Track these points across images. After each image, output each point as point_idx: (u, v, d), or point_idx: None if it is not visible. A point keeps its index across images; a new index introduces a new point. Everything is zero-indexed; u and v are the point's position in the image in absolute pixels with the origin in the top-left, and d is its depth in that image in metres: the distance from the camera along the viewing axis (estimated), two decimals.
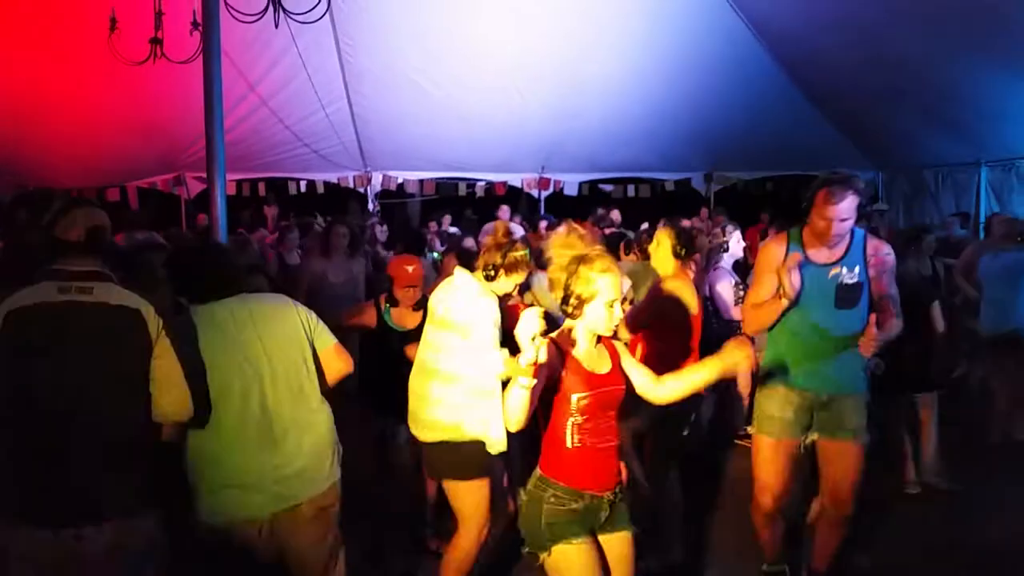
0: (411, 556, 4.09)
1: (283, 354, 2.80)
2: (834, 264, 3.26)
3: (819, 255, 3.29)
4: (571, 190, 12.50)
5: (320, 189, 12.13)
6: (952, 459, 5.05)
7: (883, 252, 3.32)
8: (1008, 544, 4.13)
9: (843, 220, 3.17)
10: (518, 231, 8.70)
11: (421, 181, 12.24)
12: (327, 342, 2.96)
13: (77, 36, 7.39)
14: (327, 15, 6.82)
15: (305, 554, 2.83)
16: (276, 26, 4.86)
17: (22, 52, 7.68)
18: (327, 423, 2.91)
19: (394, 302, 4.18)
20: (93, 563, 2.35)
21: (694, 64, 9.18)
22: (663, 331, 3.98)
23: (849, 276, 3.24)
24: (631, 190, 12.76)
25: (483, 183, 12.51)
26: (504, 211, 10.67)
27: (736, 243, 6.02)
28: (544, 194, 12.46)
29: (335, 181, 12.04)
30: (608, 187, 12.79)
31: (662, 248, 4.12)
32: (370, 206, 12.14)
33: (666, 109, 10.00)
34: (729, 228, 6.17)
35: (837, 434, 3.34)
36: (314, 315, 2.97)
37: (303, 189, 12.09)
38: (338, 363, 2.97)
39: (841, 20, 7.65)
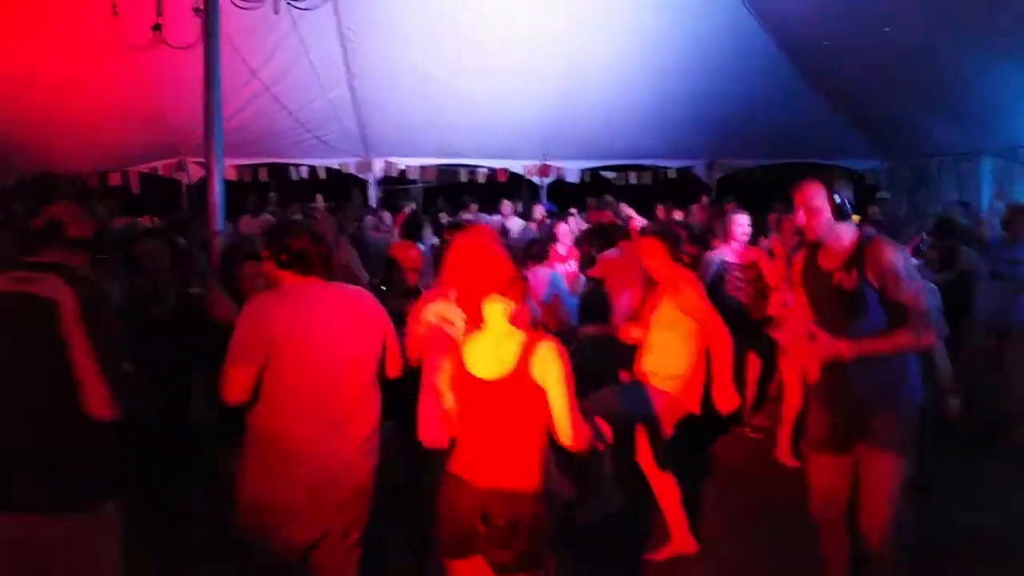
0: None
1: (363, 342, 2.91)
2: (836, 269, 3.07)
3: (827, 259, 3.12)
4: (572, 177, 12.47)
5: (322, 175, 12.12)
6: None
7: (880, 254, 2.99)
8: (978, 532, 4.15)
9: (812, 210, 3.05)
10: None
11: (422, 167, 12.22)
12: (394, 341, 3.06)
13: (78, 21, 7.35)
14: (329, 2, 6.85)
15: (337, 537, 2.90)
16: (276, 12, 4.86)
17: (23, 37, 7.65)
18: (377, 414, 2.97)
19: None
20: (47, 552, 2.39)
21: (697, 51, 9.13)
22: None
23: (848, 282, 3.03)
24: (633, 177, 12.73)
25: (484, 170, 12.49)
26: (506, 205, 10.64)
27: (742, 230, 5.99)
28: (546, 181, 12.44)
29: (336, 167, 12.02)
30: (610, 174, 12.76)
31: (657, 257, 4.10)
32: (371, 192, 12.12)
33: (669, 96, 9.96)
34: (737, 216, 6.11)
35: (870, 450, 3.06)
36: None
37: (304, 175, 12.08)
38: (396, 361, 3.06)
39: (846, 7, 7.62)
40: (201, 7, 5.29)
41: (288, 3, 4.87)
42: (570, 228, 7.50)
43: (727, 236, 6.05)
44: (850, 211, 3.07)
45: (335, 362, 2.80)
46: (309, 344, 2.75)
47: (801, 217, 3.10)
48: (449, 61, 9.43)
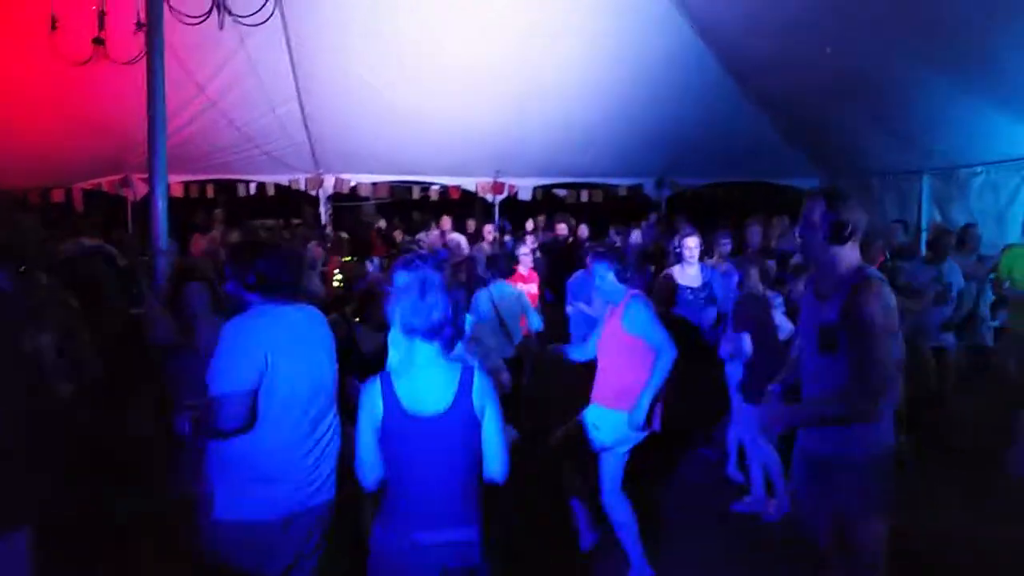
0: None
1: (328, 365, 2.93)
2: (823, 298, 2.89)
3: (821, 285, 2.93)
4: (525, 195, 12.51)
5: (271, 191, 11.97)
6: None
7: (864, 300, 2.72)
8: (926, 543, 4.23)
9: (807, 225, 2.88)
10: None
11: (374, 184, 12.16)
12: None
13: (17, 35, 7.18)
14: (276, 16, 6.79)
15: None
16: (221, 28, 4.80)
17: None
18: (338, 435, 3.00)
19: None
20: None
21: (646, 71, 9.28)
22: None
23: (828, 313, 2.82)
24: (584, 195, 12.83)
25: (437, 187, 12.48)
26: (446, 221, 10.65)
27: (691, 249, 6.07)
28: (498, 198, 12.47)
29: (286, 183, 11.89)
30: (562, 192, 12.86)
31: (608, 281, 4.16)
32: (322, 209, 12.01)
33: (619, 115, 10.09)
34: (687, 232, 6.23)
35: (841, 511, 2.87)
36: None
37: (253, 191, 11.92)
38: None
39: (789, 29, 7.79)
40: (144, 21, 5.21)
41: (234, 19, 4.81)
42: (529, 248, 7.56)
43: (678, 257, 6.13)
44: (849, 235, 2.81)
45: (313, 387, 2.82)
46: (293, 368, 2.75)
47: (800, 236, 2.94)
48: (400, 78, 9.41)
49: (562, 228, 10.68)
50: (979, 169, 9.14)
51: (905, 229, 9.49)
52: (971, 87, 7.39)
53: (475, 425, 2.47)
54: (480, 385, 2.50)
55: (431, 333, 2.53)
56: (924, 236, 9.93)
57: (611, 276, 4.16)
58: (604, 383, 4.14)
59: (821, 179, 12.23)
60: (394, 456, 2.49)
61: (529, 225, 11.95)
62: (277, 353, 2.70)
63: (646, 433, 4.06)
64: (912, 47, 7.21)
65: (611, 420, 4.01)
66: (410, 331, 2.55)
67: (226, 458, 2.72)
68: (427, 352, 2.55)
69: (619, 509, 4.04)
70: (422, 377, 2.52)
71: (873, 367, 2.69)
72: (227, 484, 2.71)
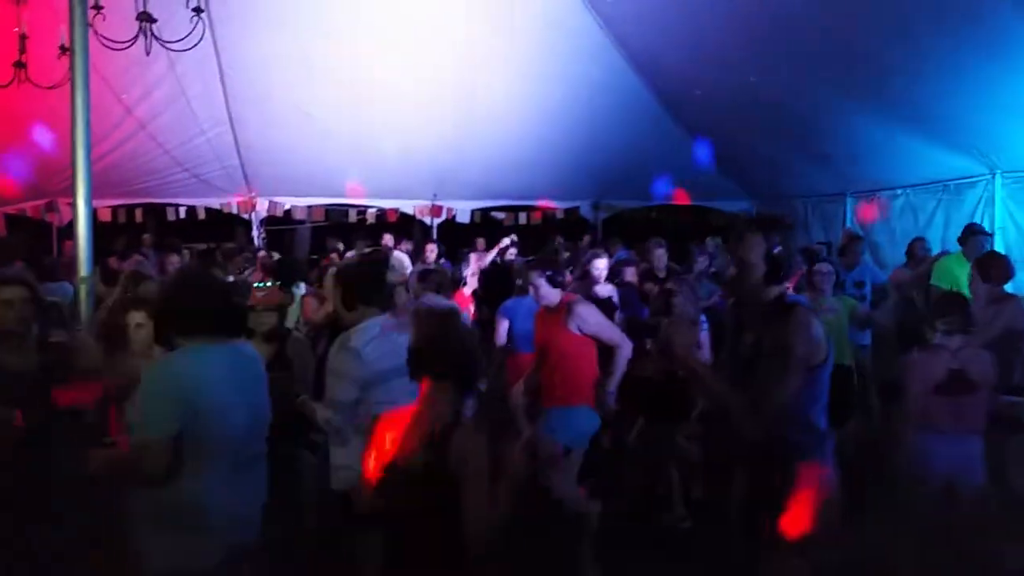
0: None
1: (262, 403, 2.86)
2: (748, 328, 2.98)
3: (745, 313, 3.04)
4: (463, 217, 12.56)
5: (201, 215, 11.76)
6: None
7: (782, 324, 2.81)
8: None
9: (739, 264, 2.94)
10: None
11: (310, 207, 12.05)
12: None
13: None
14: (206, 40, 6.70)
15: None
16: (148, 54, 4.72)
17: None
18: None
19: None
20: None
21: (581, 97, 9.44)
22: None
23: (752, 342, 2.93)
24: (523, 218, 12.94)
25: (374, 210, 12.42)
26: (388, 239, 10.61)
27: (600, 269, 6.24)
28: (436, 221, 12.47)
29: (218, 207, 11.69)
30: (500, 215, 12.94)
31: (544, 288, 4.28)
32: (255, 232, 11.84)
33: (554, 140, 10.21)
34: (596, 254, 6.42)
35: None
36: None
37: (183, 215, 11.69)
38: None
39: (715, 59, 8.03)
40: (68, 45, 5.10)
41: (161, 44, 4.74)
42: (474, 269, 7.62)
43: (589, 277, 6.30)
44: (785, 276, 2.88)
45: (247, 428, 2.73)
46: (222, 410, 2.64)
47: (733, 271, 2.99)
48: (335, 102, 9.38)
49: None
50: (899, 192, 9.52)
51: (828, 250, 9.82)
52: (890, 116, 7.72)
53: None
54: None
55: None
56: None
57: (545, 283, 4.32)
58: (561, 383, 4.28)
59: (750, 202, 12.61)
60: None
61: (481, 244, 11.90)
62: (201, 396, 2.58)
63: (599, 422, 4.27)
64: (833, 80, 7.51)
65: (574, 417, 4.17)
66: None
67: (157, 505, 2.61)
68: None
69: (580, 501, 4.12)
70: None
71: (774, 393, 2.72)
72: (159, 533, 2.61)
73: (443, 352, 2.34)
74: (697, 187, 11.96)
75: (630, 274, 7.08)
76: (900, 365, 3.91)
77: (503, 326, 5.87)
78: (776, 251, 2.87)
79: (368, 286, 3.54)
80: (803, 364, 2.73)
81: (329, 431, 3.41)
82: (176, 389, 2.56)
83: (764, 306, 2.87)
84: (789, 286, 5.12)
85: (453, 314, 2.57)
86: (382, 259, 5.67)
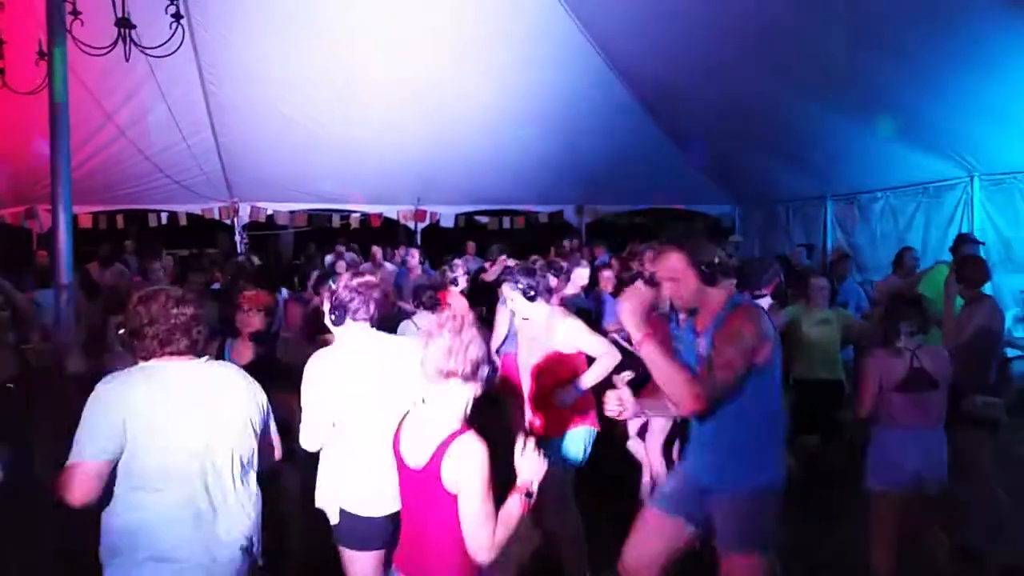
0: None
1: (235, 431, 2.63)
2: (701, 335, 2.94)
3: (700, 324, 2.98)
4: (447, 222, 12.56)
5: (183, 221, 11.69)
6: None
7: (733, 322, 2.82)
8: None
9: (677, 280, 2.91)
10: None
11: (292, 212, 12.01)
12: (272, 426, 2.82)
13: None
14: (186, 45, 6.69)
15: None
16: (127, 59, 4.70)
17: None
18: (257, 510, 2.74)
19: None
20: None
21: (563, 103, 9.48)
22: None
23: (702, 347, 2.89)
24: (506, 222, 12.95)
25: (358, 215, 12.40)
26: (376, 251, 10.59)
27: (582, 282, 6.23)
28: (420, 226, 12.47)
29: (199, 213, 11.63)
30: (484, 219, 12.95)
31: (519, 300, 4.14)
32: (237, 238, 11.79)
33: (537, 145, 10.24)
34: (579, 269, 6.40)
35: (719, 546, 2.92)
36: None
37: (164, 221, 11.62)
38: (275, 449, 2.85)
39: (696, 65, 8.09)
40: (46, 51, 5.06)
41: (140, 50, 4.72)
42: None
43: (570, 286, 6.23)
44: (716, 273, 2.87)
45: (202, 450, 2.53)
46: (168, 431, 2.47)
47: (668, 289, 2.94)
48: (318, 107, 9.36)
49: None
50: (879, 195, 9.63)
51: (809, 253, 9.90)
52: (868, 121, 7.80)
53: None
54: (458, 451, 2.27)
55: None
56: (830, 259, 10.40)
57: (518, 295, 4.05)
58: (556, 412, 3.97)
59: (733, 206, 12.71)
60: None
61: (471, 248, 11.89)
62: (142, 417, 2.44)
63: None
64: (812, 85, 7.61)
65: (574, 439, 3.98)
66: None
67: (113, 532, 2.47)
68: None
69: (572, 522, 4.01)
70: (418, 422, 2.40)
71: (717, 376, 2.74)
72: (116, 564, 2.48)
73: (455, 358, 2.37)
74: (680, 191, 12.03)
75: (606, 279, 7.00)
76: (863, 365, 3.96)
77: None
78: (716, 259, 2.88)
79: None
80: (743, 355, 2.76)
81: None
82: (113, 412, 2.43)
83: (713, 313, 2.89)
84: (766, 292, 5.15)
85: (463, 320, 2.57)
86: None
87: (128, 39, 4.69)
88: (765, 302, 5.02)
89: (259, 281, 6.56)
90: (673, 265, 2.90)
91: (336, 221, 12.52)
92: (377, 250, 10.75)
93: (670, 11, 7.37)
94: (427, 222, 12.45)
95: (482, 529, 2.21)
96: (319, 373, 2.99)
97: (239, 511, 2.61)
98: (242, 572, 2.61)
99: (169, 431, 2.48)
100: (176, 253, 10.61)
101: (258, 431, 2.71)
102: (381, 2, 8.01)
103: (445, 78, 9.02)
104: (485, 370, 2.38)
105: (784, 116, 8.55)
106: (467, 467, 2.21)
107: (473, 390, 2.34)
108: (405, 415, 2.46)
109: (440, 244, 12.61)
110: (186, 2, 6.67)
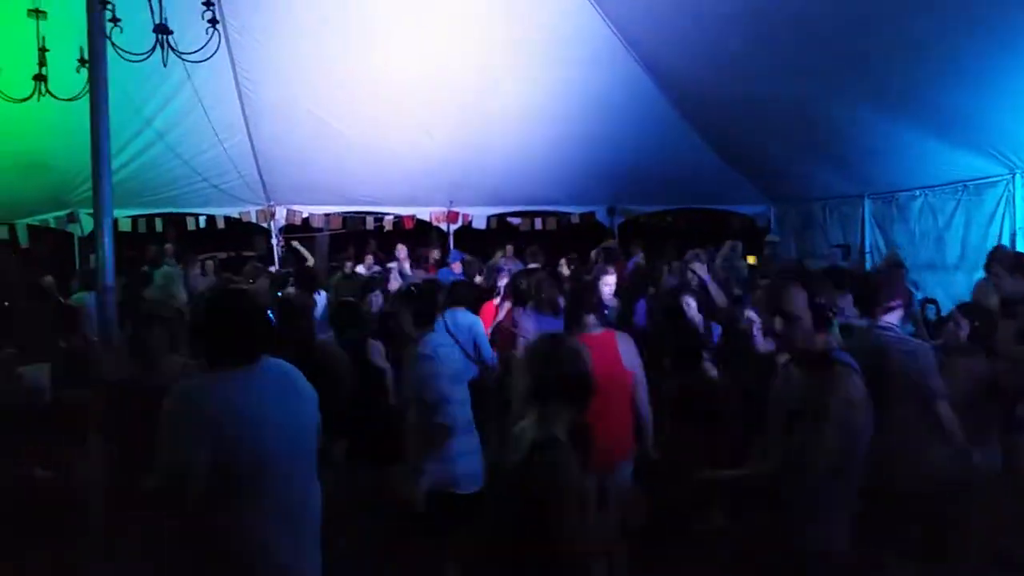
0: None
1: (307, 431, 2.71)
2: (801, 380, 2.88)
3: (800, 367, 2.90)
4: (479, 223, 12.60)
5: (220, 224, 11.86)
6: None
7: (835, 382, 2.69)
8: None
9: (785, 319, 2.76)
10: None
11: (327, 215, 12.14)
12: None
13: None
14: (222, 50, 6.79)
15: None
16: (165, 65, 4.78)
17: None
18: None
19: None
20: None
21: (595, 103, 9.46)
22: None
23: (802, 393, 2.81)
24: (538, 223, 12.95)
25: (391, 217, 12.49)
26: (401, 249, 10.63)
27: (610, 289, 6.08)
28: (453, 227, 12.52)
29: (237, 216, 11.81)
30: (516, 220, 12.96)
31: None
32: (273, 241, 11.94)
33: (568, 146, 10.24)
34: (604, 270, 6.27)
35: None
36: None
37: (203, 224, 11.80)
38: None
39: (730, 65, 8.02)
40: (87, 58, 5.17)
41: (178, 55, 4.80)
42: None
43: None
44: (831, 319, 2.71)
45: (285, 455, 2.56)
46: (251, 438, 2.48)
47: (778, 325, 2.74)
48: (351, 110, 9.44)
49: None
50: (918, 193, 9.46)
51: (847, 253, 9.74)
52: (907, 117, 7.68)
53: None
54: None
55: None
56: (868, 258, 10.24)
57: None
58: (615, 434, 3.93)
59: (765, 205, 12.57)
60: None
61: (509, 251, 11.87)
62: (226, 422, 2.45)
63: None
64: (849, 81, 7.48)
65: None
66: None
67: (202, 543, 2.48)
68: None
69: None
70: None
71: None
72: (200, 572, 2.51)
73: (555, 374, 2.46)
74: (715, 191, 11.94)
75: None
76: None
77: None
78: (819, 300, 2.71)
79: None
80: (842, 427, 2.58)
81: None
82: (199, 415, 2.44)
83: (811, 359, 2.73)
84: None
85: (564, 339, 2.67)
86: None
87: (166, 45, 4.77)
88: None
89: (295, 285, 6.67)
90: (793, 302, 2.69)
91: (370, 223, 12.62)
92: (402, 248, 10.74)
93: (702, 10, 7.31)
94: (459, 223, 12.50)
95: None
96: None
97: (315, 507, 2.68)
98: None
99: (254, 432, 2.48)
100: (216, 256, 10.75)
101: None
102: (413, 6, 8.05)
103: (476, 80, 9.05)
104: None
105: (820, 114, 8.43)
106: None
107: None
108: None
109: (473, 245, 12.64)
110: (221, 7, 6.75)
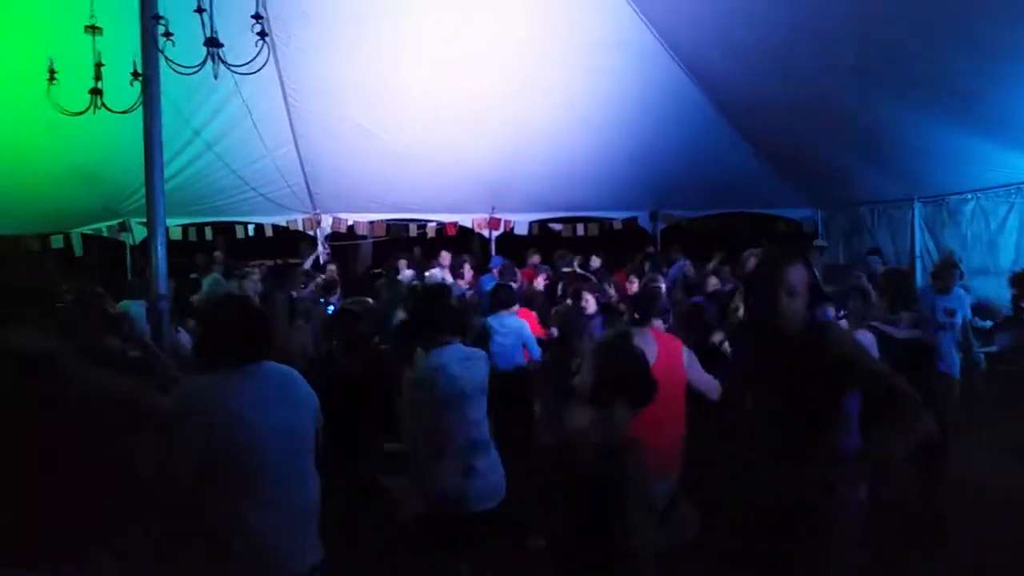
0: None
1: (302, 430, 2.89)
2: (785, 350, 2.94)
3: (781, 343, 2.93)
4: (521, 229, 12.63)
5: (269, 232, 12.08)
6: None
7: (830, 335, 2.80)
8: None
9: (789, 296, 2.80)
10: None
11: (371, 223, 12.28)
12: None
13: (16, 87, 7.32)
14: (271, 63, 6.92)
15: None
16: (215, 78, 4.89)
17: None
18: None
19: None
20: None
21: (637, 108, 9.44)
22: None
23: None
24: (580, 229, 12.93)
25: (434, 224, 12.58)
26: (445, 256, 10.70)
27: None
28: (495, 234, 12.57)
29: (284, 224, 12.01)
30: (558, 226, 12.96)
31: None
32: (320, 249, 12.11)
33: (611, 151, 10.22)
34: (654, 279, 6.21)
35: None
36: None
37: (251, 232, 12.02)
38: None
39: (775, 68, 7.94)
40: (140, 72, 5.32)
41: (228, 68, 4.92)
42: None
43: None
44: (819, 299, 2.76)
45: (260, 450, 2.74)
46: (254, 430, 2.71)
47: (785, 302, 2.74)
48: (394, 120, 9.55)
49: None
50: (969, 196, 9.26)
51: (880, 258, 9.56)
52: (957, 119, 7.52)
53: None
54: None
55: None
56: (919, 263, 10.02)
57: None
58: (669, 440, 3.93)
59: (813, 209, 12.38)
60: None
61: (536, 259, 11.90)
62: (220, 418, 2.67)
63: None
64: (897, 83, 7.35)
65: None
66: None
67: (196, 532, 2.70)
68: None
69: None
70: None
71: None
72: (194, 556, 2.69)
73: (618, 375, 2.48)
74: (760, 195, 11.79)
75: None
76: None
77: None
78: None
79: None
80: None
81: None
82: (193, 410, 2.66)
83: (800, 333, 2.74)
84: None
85: (625, 338, 2.71)
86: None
87: (216, 58, 4.88)
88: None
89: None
90: (801, 278, 2.73)
91: (413, 230, 12.73)
92: (446, 255, 10.80)
93: (745, 11, 7.25)
94: (501, 230, 12.54)
95: None
96: None
97: (307, 510, 2.87)
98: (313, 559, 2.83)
99: (245, 430, 2.70)
100: (264, 263, 10.94)
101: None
102: (455, 14, 8.12)
103: (518, 86, 9.08)
104: None
105: (868, 116, 8.29)
106: None
107: None
108: None
109: (514, 252, 12.66)
110: (268, 21, 6.89)
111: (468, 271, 9.46)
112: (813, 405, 2.65)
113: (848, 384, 2.67)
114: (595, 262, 10.55)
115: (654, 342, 3.98)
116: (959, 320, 6.78)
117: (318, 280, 9.12)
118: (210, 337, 2.86)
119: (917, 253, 10.13)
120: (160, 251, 5.42)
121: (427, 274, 10.19)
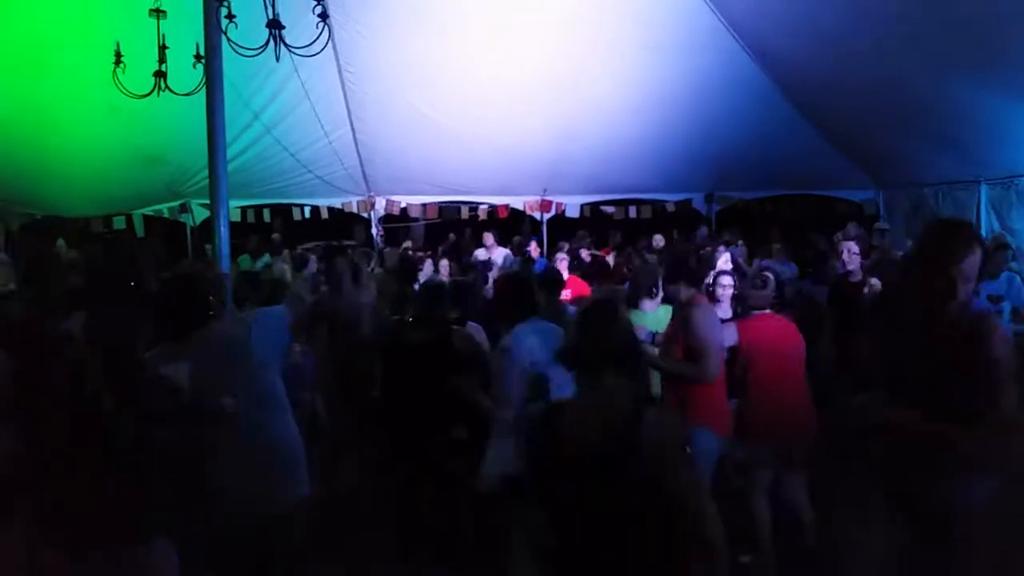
0: None
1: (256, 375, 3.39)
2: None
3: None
4: (573, 212, 12.57)
5: (324, 214, 12.24)
6: None
7: None
8: None
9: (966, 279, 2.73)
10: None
11: (424, 205, 12.35)
12: None
13: (82, 70, 7.49)
14: (329, 46, 6.97)
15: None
16: (277, 59, 4.94)
17: (30, 86, 7.79)
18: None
19: None
20: None
21: (692, 87, 9.27)
22: None
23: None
24: (632, 211, 12.82)
25: (485, 206, 12.60)
26: (488, 238, 10.74)
27: (724, 288, 5.73)
28: (546, 216, 12.53)
29: (339, 207, 12.15)
30: (610, 208, 12.87)
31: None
32: (374, 231, 12.23)
33: (665, 131, 10.08)
34: (723, 278, 5.95)
35: None
36: None
37: (307, 215, 12.20)
38: None
39: (836, 43, 7.73)
40: (203, 54, 5.40)
41: (289, 50, 4.96)
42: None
43: (711, 297, 5.59)
44: None
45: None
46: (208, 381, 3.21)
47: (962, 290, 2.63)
48: (447, 101, 9.57)
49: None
50: None
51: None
52: None
53: None
54: None
55: None
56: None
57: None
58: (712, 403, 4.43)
59: (875, 191, 12.05)
60: None
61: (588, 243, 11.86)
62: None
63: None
64: (962, 59, 7.10)
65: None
66: None
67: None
68: None
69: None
70: None
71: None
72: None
73: (615, 343, 2.33)
74: (818, 176, 11.53)
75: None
76: None
77: None
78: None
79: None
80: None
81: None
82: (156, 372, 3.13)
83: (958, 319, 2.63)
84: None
85: (615, 305, 2.63)
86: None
87: (279, 40, 4.93)
88: None
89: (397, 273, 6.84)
90: (976, 264, 2.64)
91: (465, 213, 12.77)
92: (489, 236, 10.90)
93: None
94: (552, 212, 12.50)
95: None
96: None
97: (273, 454, 3.40)
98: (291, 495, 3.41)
99: (205, 379, 3.20)
100: (318, 244, 11.09)
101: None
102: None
103: (572, 67, 9.01)
104: None
105: (933, 93, 8.02)
106: None
107: None
108: None
109: (566, 234, 12.61)
110: (326, 1, 6.94)
111: (535, 248, 9.66)
112: (963, 395, 2.58)
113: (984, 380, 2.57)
114: (658, 241, 10.55)
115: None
116: (1006, 308, 6.39)
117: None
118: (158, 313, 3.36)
119: (984, 236, 9.80)
120: (223, 232, 5.53)
121: (475, 253, 10.30)
